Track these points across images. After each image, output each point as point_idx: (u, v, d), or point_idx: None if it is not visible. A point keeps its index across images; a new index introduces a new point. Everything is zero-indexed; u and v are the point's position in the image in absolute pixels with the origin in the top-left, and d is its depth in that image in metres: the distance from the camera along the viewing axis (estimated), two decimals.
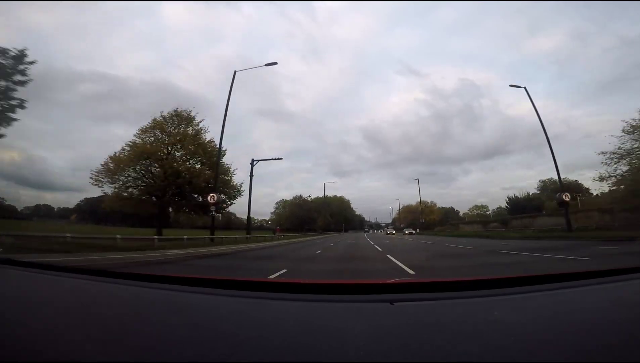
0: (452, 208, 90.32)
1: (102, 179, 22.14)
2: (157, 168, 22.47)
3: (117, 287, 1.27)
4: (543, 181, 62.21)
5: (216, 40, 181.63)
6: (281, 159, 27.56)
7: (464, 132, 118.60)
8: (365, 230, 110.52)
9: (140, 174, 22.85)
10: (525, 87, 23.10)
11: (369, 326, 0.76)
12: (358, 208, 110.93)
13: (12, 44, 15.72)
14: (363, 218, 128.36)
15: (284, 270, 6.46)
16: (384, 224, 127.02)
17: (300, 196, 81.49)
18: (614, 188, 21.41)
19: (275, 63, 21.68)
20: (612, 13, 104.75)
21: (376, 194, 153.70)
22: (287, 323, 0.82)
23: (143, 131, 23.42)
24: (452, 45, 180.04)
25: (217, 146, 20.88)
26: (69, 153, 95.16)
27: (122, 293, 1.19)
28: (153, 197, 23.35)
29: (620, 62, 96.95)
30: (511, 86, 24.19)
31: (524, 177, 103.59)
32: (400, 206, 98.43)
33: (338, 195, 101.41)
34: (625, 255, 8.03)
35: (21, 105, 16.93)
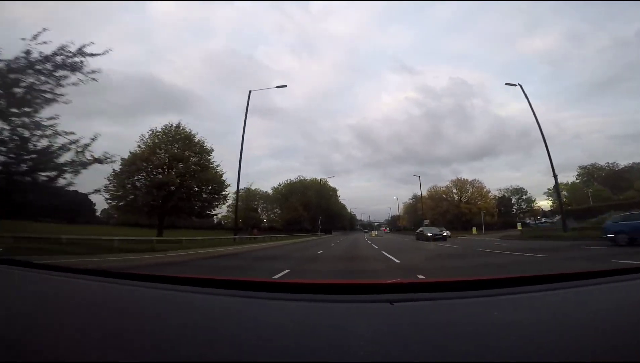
0: (521, 190, 54.87)
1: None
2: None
3: (117, 287, 1.26)
4: (584, 168, 53.49)
5: (205, 33, 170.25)
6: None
7: (455, 132, 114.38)
8: (365, 230, 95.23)
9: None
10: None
11: (368, 326, 0.76)
12: (347, 205, 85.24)
13: None
14: (354, 216, 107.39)
15: None
16: (376, 224, 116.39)
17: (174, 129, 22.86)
18: None
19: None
20: (608, 12, 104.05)
21: (366, 195, 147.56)
22: (287, 323, 0.82)
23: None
24: (446, 44, 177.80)
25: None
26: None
27: (122, 293, 1.18)
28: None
29: (613, 63, 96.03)
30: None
31: (510, 178, 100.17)
32: (411, 197, 69.07)
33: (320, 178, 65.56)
34: None
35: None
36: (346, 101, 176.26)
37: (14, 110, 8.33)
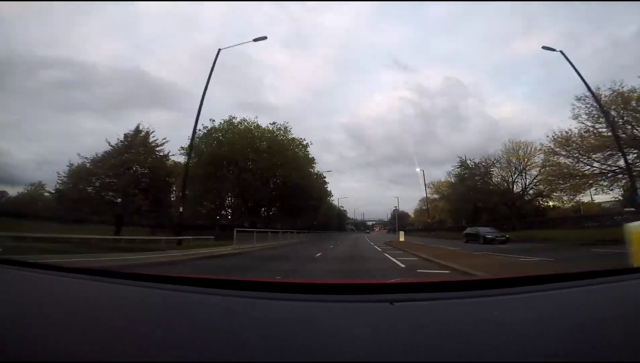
0: None
1: None
2: None
3: (117, 287, 1.26)
4: None
5: (194, 26, 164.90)
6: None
7: (447, 133, 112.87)
8: (367, 231, 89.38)
9: None
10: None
11: (368, 326, 0.76)
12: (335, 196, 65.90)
13: None
14: (345, 211, 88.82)
15: None
16: (370, 224, 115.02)
17: None
18: None
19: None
20: (608, 12, 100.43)
21: (357, 196, 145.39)
22: (287, 323, 0.82)
23: None
24: (441, 43, 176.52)
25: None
26: (33, 145, 79.15)
27: (122, 293, 1.18)
28: None
29: (608, 64, 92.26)
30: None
31: None
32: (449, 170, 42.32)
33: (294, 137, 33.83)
34: None
35: None
36: (338, 99, 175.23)
37: None
